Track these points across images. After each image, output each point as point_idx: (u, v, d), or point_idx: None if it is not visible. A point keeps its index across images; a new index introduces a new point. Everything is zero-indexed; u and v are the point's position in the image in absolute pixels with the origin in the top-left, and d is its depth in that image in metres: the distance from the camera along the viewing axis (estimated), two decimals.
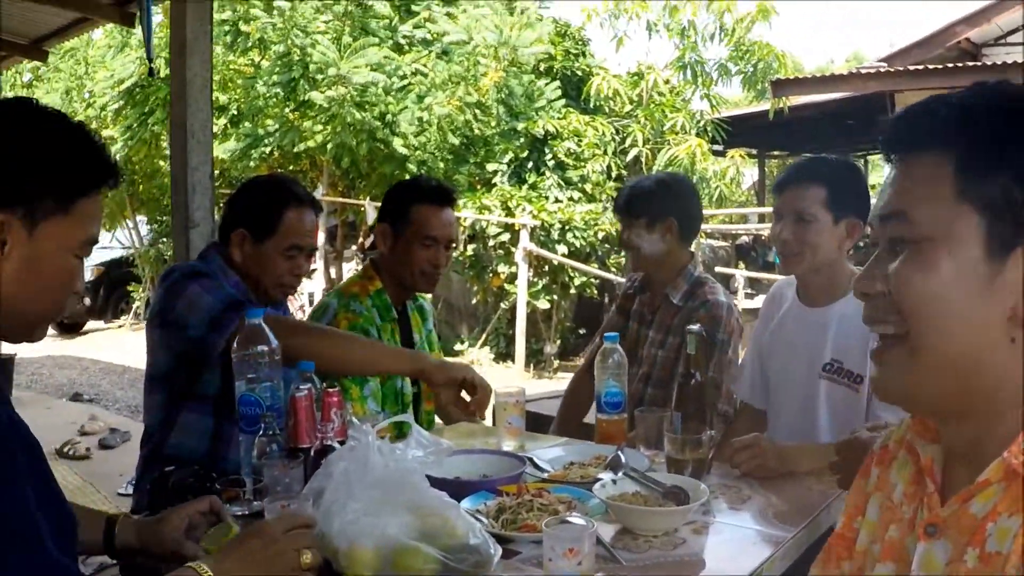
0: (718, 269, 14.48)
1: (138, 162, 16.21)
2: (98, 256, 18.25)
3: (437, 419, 3.75)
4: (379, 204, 3.84)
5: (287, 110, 13.78)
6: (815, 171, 3.09)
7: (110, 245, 19.60)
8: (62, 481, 6.26)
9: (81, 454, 7.63)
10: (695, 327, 2.85)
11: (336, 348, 2.98)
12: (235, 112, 14.26)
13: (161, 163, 16.20)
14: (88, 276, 17.21)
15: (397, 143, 13.25)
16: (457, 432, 3.37)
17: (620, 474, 2.51)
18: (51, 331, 17.64)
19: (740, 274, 13.48)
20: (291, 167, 15.14)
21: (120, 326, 17.99)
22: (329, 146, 13.20)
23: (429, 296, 4.08)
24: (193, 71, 4.94)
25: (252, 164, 14.09)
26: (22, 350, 14.63)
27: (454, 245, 3.76)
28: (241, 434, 2.68)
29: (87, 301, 17.36)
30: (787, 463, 2.74)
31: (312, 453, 2.46)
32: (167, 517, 2.20)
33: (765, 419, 3.33)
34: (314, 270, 14.18)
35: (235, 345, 2.67)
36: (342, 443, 2.36)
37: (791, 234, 3.05)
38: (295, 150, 13.71)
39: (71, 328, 17.52)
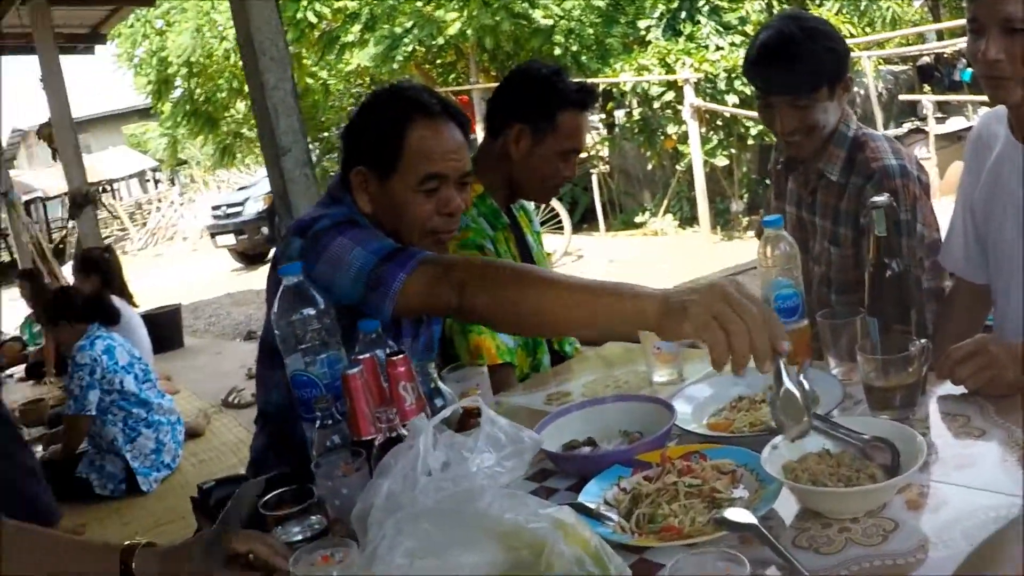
0: (902, 97, 13.31)
1: None
2: (267, 185, 18.21)
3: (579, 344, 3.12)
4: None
5: (420, 3, 13.17)
6: None
7: None
8: (227, 434, 5.94)
9: (247, 401, 7.21)
10: (880, 199, 2.01)
11: (551, 297, 1.91)
12: (368, 16, 13.75)
13: (309, 80, 15.99)
14: (260, 206, 17.07)
15: (538, 15, 12.60)
16: (599, 361, 2.74)
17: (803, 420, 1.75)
18: (235, 264, 17.79)
19: (927, 99, 12.17)
20: (437, 61, 14.61)
21: None
22: (469, 31, 12.56)
23: None
24: None
25: (396, 66, 13.59)
26: (203, 292, 14.71)
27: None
28: (304, 424, 2.08)
29: (265, 231, 17.22)
30: None
31: (376, 448, 1.81)
32: (194, 551, 1.68)
33: (988, 297, 2.51)
34: None
35: (275, 311, 2.07)
36: None
37: (1000, 51, 2.08)
38: (436, 43, 13.08)
39: (253, 259, 17.50)
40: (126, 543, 1.72)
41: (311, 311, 2.03)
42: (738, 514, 1.49)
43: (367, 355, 1.99)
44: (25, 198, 27.15)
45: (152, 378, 6.13)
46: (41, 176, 23.91)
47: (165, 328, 10.00)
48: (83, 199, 9.30)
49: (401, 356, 1.90)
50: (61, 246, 19.20)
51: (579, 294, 1.86)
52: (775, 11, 12.84)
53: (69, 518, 5.34)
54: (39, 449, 6.76)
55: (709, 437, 1.94)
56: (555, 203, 12.05)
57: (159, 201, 29.76)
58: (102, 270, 7.60)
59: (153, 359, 7.58)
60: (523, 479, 1.90)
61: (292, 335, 2.03)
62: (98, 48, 12.23)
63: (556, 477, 1.94)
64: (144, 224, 28.44)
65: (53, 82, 9.40)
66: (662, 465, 1.74)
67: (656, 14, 13.06)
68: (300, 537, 1.76)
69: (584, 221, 13.85)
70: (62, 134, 9.57)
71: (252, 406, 7.21)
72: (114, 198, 30.93)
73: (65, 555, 1.74)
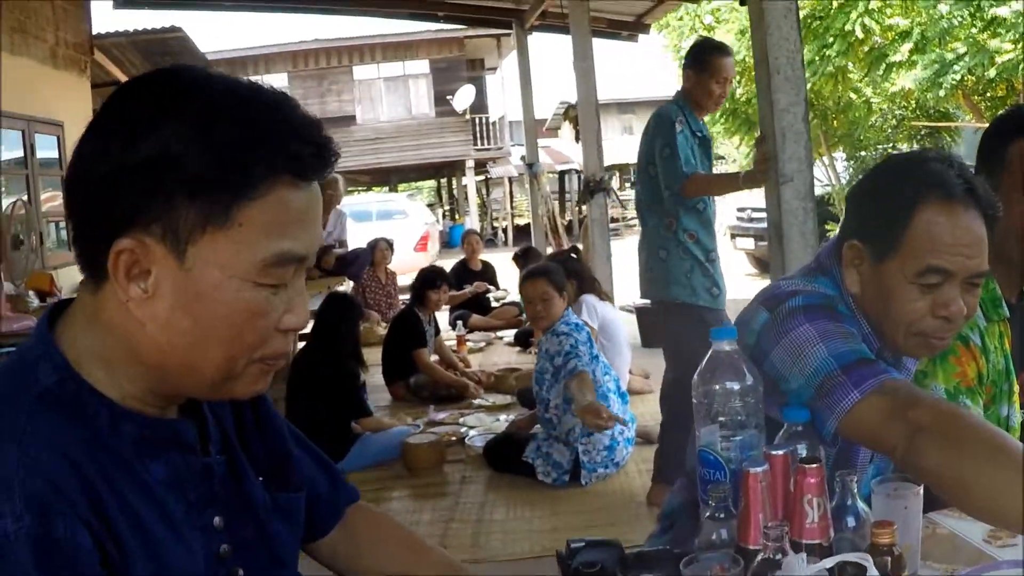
0: None
1: (828, 96, 15.68)
2: None
3: None
4: None
5: (974, 30, 12.46)
6: None
7: None
8: None
9: None
10: None
11: (1013, 489, 1.54)
12: (919, 37, 13.14)
13: (852, 95, 15.70)
14: None
15: None
16: None
17: None
18: (750, 268, 17.55)
19: None
20: (987, 93, 13.76)
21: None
22: (1021, 67, 11.68)
23: None
24: None
25: (942, 93, 12.98)
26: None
27: None
28: (700, 503, 1.89)
29: None
30: None
31: (757, 563, 1.59)
32: None
33: None
34: None
35: (697, 372, 1.86)
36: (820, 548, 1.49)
37: None
38: (988, 74, 12.28)
39: (769, 268, 17.29)
40: None
41: (735, 385, 1.82)
42: None
43: (783, 451, 1.75)
44: (560, 168, 28.51)
45: (614, 376, 6.12)
46: (580, 148, 25.23)
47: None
48: (595, 185, 9.36)
49: (815, 465, 1.64)
50: (582, 217, 19.96)
51: None
52: None
53: (507, 504, 5.45)
54: (503, 417, 6.97)
55: None
56: None
57: None
58: (578, 274, 7.68)
59: (631, 354, 7.58)
60: None
61: (709, 405, 1.84)
62: (641, 37, 12.48)
63: None
64: None
65: (582, 65, 9.58)
66: None
67: None
68: None
69: None
70: (585, 117, 9.75)
71: None
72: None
73: (420, 559, 1.73)
